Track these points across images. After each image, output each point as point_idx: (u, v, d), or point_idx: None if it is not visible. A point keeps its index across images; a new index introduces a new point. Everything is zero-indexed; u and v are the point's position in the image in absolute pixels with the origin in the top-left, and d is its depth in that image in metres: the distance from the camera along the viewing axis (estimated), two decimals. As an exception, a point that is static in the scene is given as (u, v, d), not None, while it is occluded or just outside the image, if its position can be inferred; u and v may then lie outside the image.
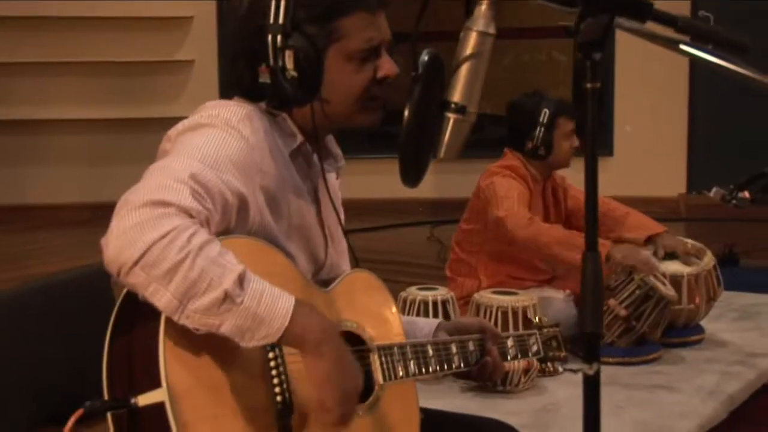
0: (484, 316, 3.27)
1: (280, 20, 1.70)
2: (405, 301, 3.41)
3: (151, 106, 7.69)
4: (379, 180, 7.73)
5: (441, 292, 3.44)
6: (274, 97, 1.77)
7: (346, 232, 1.98)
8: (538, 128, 3.76)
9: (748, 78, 1.57)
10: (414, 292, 3.43)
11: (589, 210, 1.39)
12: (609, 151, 8.07)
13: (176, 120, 1.75)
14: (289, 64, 1.71)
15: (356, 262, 1.93)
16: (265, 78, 1.73)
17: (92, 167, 7.92)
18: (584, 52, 1.35)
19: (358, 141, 7.85)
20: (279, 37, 1.70)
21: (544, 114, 3.76)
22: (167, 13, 7.81)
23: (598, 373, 1.39)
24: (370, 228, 7.29)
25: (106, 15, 7.67)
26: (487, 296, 3.33)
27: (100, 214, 6.98)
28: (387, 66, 1.81)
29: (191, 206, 1.52)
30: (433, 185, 7.43)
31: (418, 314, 3.33)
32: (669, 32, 1.53)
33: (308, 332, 1.58)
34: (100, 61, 7.75)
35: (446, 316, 3.36)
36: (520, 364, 3.17)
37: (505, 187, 3.71)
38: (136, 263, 1.47)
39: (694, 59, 1.56)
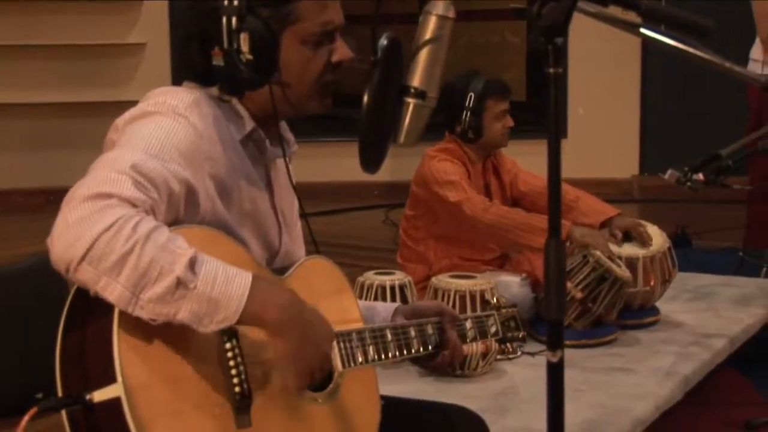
0: (442, 301, 3.26)
1: (235, 2, 1.67)
2: (362, 286, 3.39)
3: (103, 90, 7.60)
4: (334, 163, 7.72)
5: (398, 277, 3.42)
6: (227, 80, 1.74)
7: (305, 217, 1.96)
8: (465, 112, 3.74)
9: (709, 61, 1.57)
10: (371, 277, 3.42)
11: (552, 196, 1.38)
12: (563, 133, 8.11)
13: (128, 104, 1.72)
14: (244, 46, 1.68)
15: (316, 247, 1.91)
16: (218, 61, 1.70)
17: (43, 152, 7.81)
18: (546, 37, 1.33)
19: (312, 124, 7.81)
20: (234, 19, 1.67)
21: (470, 98, 3.73)
22: (117, -5, 7.72)
23: (562, 360, 1.39)
24: (325, 212, 7.27)
25: (55, -3, 7.57)
26: (445, 280, 3.32)
27: (52, 199, 6.92)
28: (342, 51, 1.79)
29: (133, 196, 1.49)
30: (387, 168, 7.36)
31: (375, 299, 3.31)
32: (629, 16, 1.53)
33: (268, 310, 1.56)
34: (50, 45, 7.64)
35: (404, 300, 3.35)
36: (478, 347, 3.17)
37: (443, 171, 3.70)
38: (82, 259, 1.44)
39: (653, 43, 1.56)
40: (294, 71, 1.76)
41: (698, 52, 1.54)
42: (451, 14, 1.63)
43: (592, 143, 8.06)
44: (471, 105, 3.73)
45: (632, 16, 1.53)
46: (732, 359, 3.74)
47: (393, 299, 3.32)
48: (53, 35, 7.62)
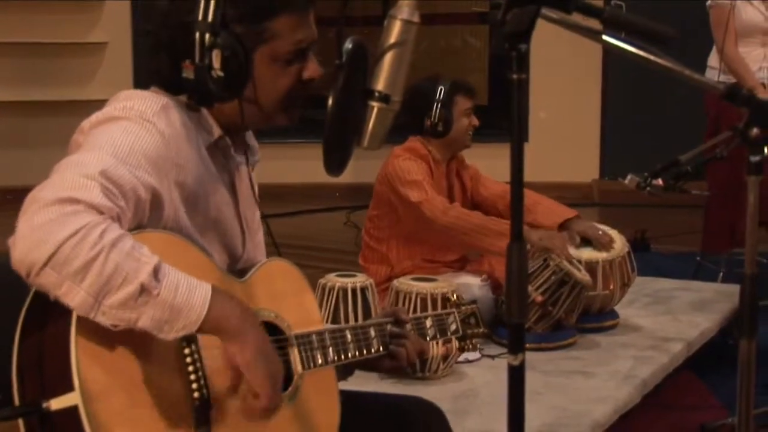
0: (404, 303, 3.27)
1: (209, 18, 1.66)
2: (324, 288, 3.39)
3: (64, 89, 7.53)
4: (296, 165, 7.70)
5: (360, 279, 3.43)
6: (196, 93, 1.73)
7: (264, 220, 1.96)
8: (435, 104, 3.76)
9: (669, 69, 1.59)
10: (333, 279, 3.41)
11: (515, 200, 1.39)
12: (524, 137, 8.15)
13: (89, 103, 1.71)
14: (216, 63, 1.67)
15: (277, 250, 1.92)
16: (188, 74, 1.68)
17: (2, 150, 7.73)
18: (510, 43, 1.34)
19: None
20: (207, 36, 1.66)
21: (441, 91, 3.76)
22: (79, -6, 7.66)
23: (523, 363, 1.40)
24: (287, 213, 7.26)
25: (15, -5, 7.49)
26: (406, 283, 3.33)
27: (10, 198, 6.81)
28: (313, 67, 1.80)
29: (101, 203, 1.48)
30: (350, 170, 7.31)
31: (337, 301, 3.31)
32: (592, 23, 1.54)
33: (227, 320, 1.56)
34: (10, 42, 7.56)
35: (365, 302, 3.35)
36: (439, 350, 3.19)
37: (407, 170, 3.71)
38: (46, 263, 1.43)
39: (615, 50, 1.58)
40: (264, 87, 1.76)
41: (659, 60, 1.56)
42: (416, 19, 1.64)
43: (553, 147, 8.11)
44: (441, 98, 3.75)
45: (594, 23, 1.55)
46: (689, 363, 3.79)
47: (354, 301, 3.32)
48: (13, 33, 7.55)
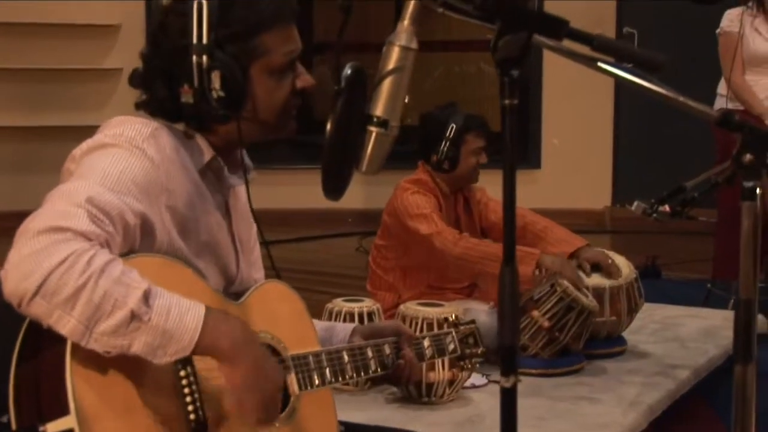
0: (410, 328, 3.28)
1: (204, 40, 1.69)
2: (331, 313, 3.41)
3: (79, 114, 7.58)
4: (308, 190, 7.68)
5: (367, 304, 3.44)
6: (195, 117, 1.75)
7: (265, 245, 1.98)
8: (444, 142, 3.77)
9: (664, 96, 1.61)
10: (340, 304, 3.43)
11: (507, 224, 1.41)
12: (537, 164, 8.16)
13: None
14: (216, 84, 1.70)
15: (276, 273, 1.93)
16: (187, 98, 1.71)
17: (17, 175, 7.78)
18: (502, 69, 1.36)
19: (288, 151, 7.84)
20: (204, 58, 1.69)
21: (451, 129, 3.77)
22: (95, 20, 7.72)
23: (515, 386, 1.41)
24: (299, 239, 7.28)
25: (32, 21, 7.55)
26: (412, 308, 3.34)
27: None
28: (304, 78, 1.83)
29: (89, 230, 1.50)
30: (362, 196, 7.44)
31: (343, 326, 3.32)
32: (587, 50, 1.56)
33: (221, 341, 1.57)
34: (26, 68, 7.63)
35: (372, 327, 3.36)
36: (445, 375, 3.19)
37: (415, 204, 3.74)
38: (35, 293, 1.44)
39: (611, 76, 1.60)
40: (262, 102, 1.79)
41: (653, 86, 1.57)
42: (414, 45, 1.65)
43: (565, 174, 8.12)
44: (451, 136, 3.77)
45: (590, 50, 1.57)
46: (699, 389, 3.77)
47: (361, 326, 3.33)
48: (29, 59, 7.62)
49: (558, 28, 1.40)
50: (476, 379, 3.42)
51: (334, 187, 1.72)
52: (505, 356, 1.41)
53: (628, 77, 1.57)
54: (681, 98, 1.62)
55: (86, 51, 7.78)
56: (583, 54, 1.61)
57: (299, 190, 7.56)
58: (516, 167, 1.41)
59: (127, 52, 8.08)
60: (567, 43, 1.51)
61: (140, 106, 1.81)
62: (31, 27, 7.59)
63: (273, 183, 7.51)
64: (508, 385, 1.40)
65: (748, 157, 1.54)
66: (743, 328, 1.61)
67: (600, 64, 1.60)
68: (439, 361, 3.09)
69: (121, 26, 7.79)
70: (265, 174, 7.39)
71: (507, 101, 1.37)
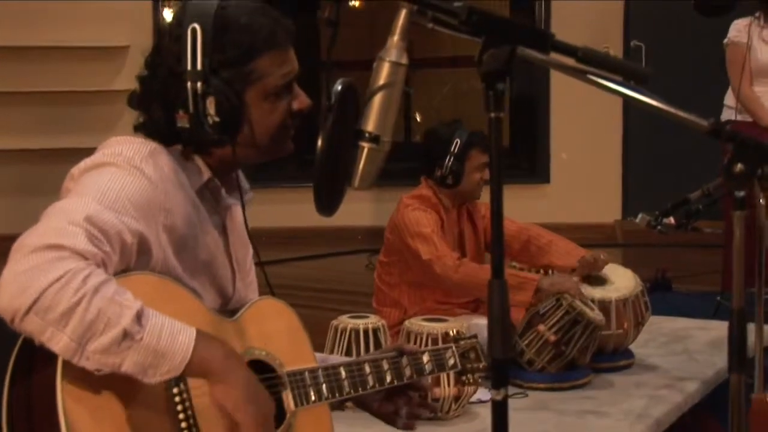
0: (415, 344, 3.27)
1: (198, 66, 1.70)
2: (336, 330, 3.40)
3: (88, 136, 7.60)
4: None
5: (372, 320, 3.44)
6: (191, 141, 1.76)
7: (261, 265, 1.98)
8: (449, 157, 3.78)
9: (654, 107, 1.61)
10: (345, 320, 3.43)
11: (495, 238, 1.41)
12: (546, 178, 8.16)
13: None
14: (211, 109, 1.70)
15: (271, 291, 1.93)
16: (183, 123, 1.72)
17: (25, 197, 7.81)
18: (487, 83, 1.37)
19: (297, 170, 7.85)
20: (199, 84, 1.70)
21: (456, 144, 3.78)
22: (103, 42, 7.76)
23: (506, 399, 1.41)
24: (308, 256, 7.28)
25: (41, 44, 7.60)
26: (417, 323, 3.34)
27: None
28: (301, 99, 1.83)
29: (85, 249, 1.51)
30: (371, 213, 7.45)
31: (349, 342, 3.32)
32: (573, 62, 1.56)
33: (212, 362, 1.58)
34: (34, 91, 7.68)
35: (377, 344, 3.36)
36: (450, 391, 3.18)
37: (416, 222, 3.74)
38: (29, 309, 1.45)
39: (602, 89, 1.60)
40: (258, 126, 1.79)
41: (642, 97, 1.58)
42: (404, 61, 1.66)
43: (575, 188, 8.11)
44: (456, 151, 3.78)
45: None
46: (707, 402, 3.75)
47: (366, 343, 3.33)
48: (38, 82, 7.66)
49: (542, 40, 1.41)
50: (482, 394, 3.40)
51: (327, 203, 1.72)
52: (496, 370, 1.41)
53: (618, 88, 1.57)
54: (672, 109, 1.62)
55: (95, 73, 7.82)
56: (574, 66, 1.61)
57: (308, 208, 7.54)
58: (503, 180, 1.41)
59: (136, 74, 8.14)
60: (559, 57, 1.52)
61: (138, 129, 1.81)
62: (39, 50, 7.64)
63: (282, 201, 7.54)
64: (499, 398, 1.40)
65: (738, 167, 1.54)
66: (737, 337, 1.61)
67: (590, 76, 1.61)
68: (444, 376, 3.08)
69: (129, 48, 7.83)
70: (274, 192, 7.49)
71: (493, 114, 1.37)
